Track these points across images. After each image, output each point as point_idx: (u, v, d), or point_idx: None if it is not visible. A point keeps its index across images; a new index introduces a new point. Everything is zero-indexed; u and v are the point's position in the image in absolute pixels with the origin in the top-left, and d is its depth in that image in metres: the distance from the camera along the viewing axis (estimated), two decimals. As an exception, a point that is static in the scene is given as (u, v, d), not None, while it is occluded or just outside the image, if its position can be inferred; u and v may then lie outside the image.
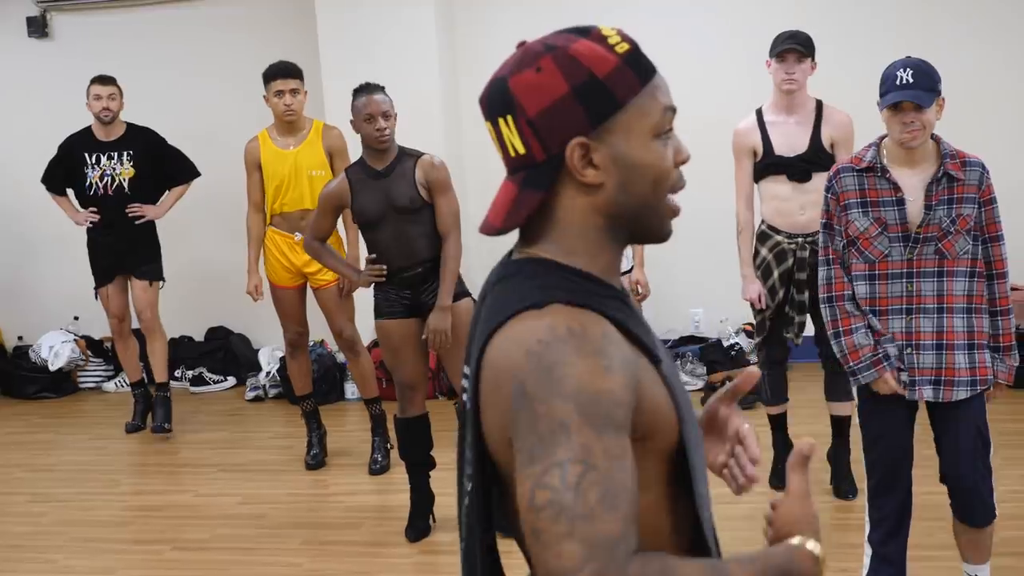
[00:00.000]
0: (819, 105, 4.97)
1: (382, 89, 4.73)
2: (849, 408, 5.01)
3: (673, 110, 1.49)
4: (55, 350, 8.07)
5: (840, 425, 5.08)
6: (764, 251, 4.99)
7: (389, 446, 5.86)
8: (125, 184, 6.76)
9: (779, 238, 4.94)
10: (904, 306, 3.49)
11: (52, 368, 8.06)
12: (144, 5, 8.24)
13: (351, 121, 4.70)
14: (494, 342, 1.42)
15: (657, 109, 1.47)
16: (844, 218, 3.52)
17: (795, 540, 1.49)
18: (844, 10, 7.10)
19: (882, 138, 3.54)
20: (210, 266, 8.19)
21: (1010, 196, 5.55)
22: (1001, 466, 4.17)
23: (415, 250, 4.71)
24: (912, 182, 3.48)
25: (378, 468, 5.84)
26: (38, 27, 8.33)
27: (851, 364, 3.56)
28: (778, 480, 5.09)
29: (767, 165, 4.95)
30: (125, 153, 6.77)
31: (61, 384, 8.24)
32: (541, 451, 1.30)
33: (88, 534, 5.31)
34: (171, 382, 8.12)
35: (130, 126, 6.85)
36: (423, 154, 4.74)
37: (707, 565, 1.39)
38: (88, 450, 6.72)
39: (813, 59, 4.92)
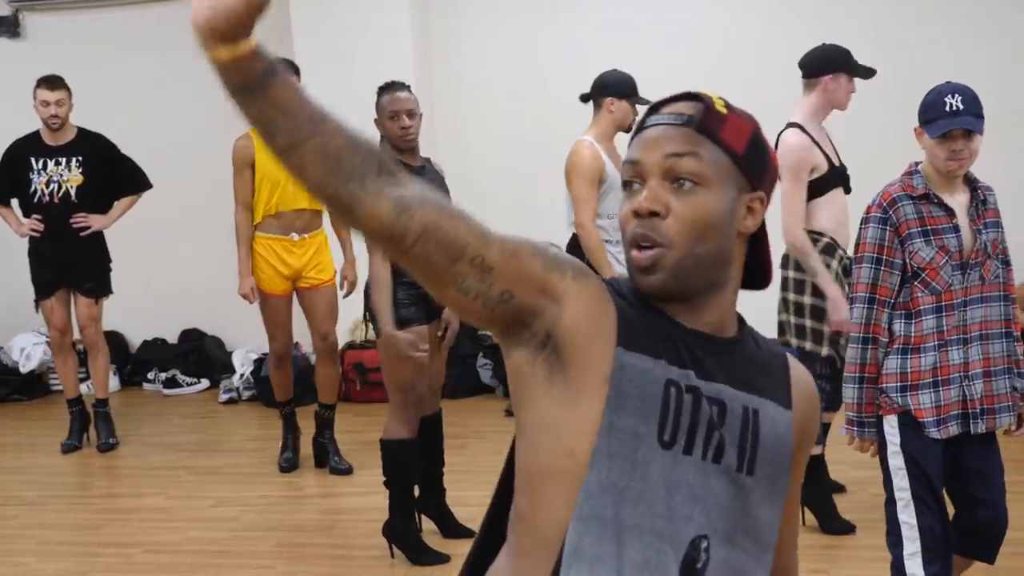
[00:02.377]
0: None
1: (407, 87, 4.65)
2: (819, 449, 4.75)
3: (630, 163, 1.57)
4: (27, 352, 8.03)
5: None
6: (834, 263, 4.66)
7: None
8: (72, 192, 6.48)
9: (843, 252, 4.70)
10: (960, 336, 3.35)
11: (23, 370, 8.03)
12: (118, 5, 8.21)
13: (375, 120, 4.59)
14: None
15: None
16: (905, 250, 3.33)
17: None
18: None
19: (917, 164, 3.42)
20: (184, 268, 8.16)
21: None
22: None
23: None
24: (957, 208, 3.37)
25: (345, 468, 5.87)
26: (10, 27, 8.29)
27: (860, 415, 3.41)
28: None
29: (836, 176, 4.71)
30: (74, 159, 6.48)
31: (33, 386, 8.20)
32: None
33: (59, 537, 5.28)
34: (144, 384, 8.14)
35: (81, 131, 6.57)
36: (427, 157, 4.79)
37: None
38: (60, 453, 6.67)
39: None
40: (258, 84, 1.36)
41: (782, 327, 4.77)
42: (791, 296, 4.75)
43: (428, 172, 4.66)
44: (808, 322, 4.68)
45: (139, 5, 8.15)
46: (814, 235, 4.68)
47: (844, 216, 4.72)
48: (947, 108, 3.26)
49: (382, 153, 1.44)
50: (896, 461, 3.40)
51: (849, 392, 3.44)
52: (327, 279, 5.87)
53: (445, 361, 4.99)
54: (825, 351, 4.65)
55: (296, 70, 5.69)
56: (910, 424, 3.37)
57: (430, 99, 7.44)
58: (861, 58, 4.84)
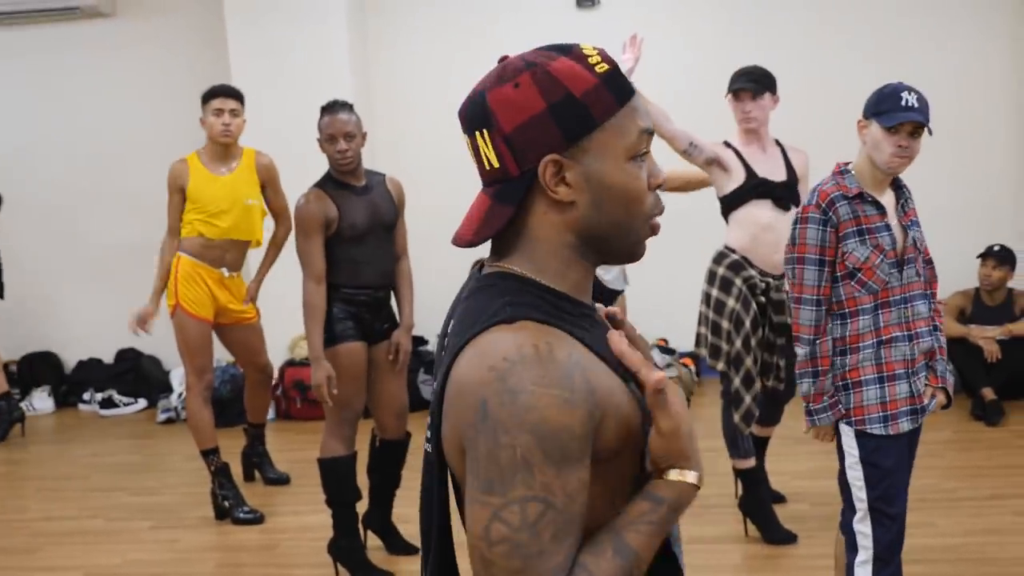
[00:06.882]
0: (778, 142, 4.82)
1: (348, 107, 4.53)
2: (751, 461, 4.80)
3: (650, 133, 1.48)
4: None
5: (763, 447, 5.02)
6: (738, 281, 4.66)
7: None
8: None
9: (752, 272, 4.67)
10: (905, 332, 3.41)
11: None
12: (49, 22, 8.10)
13: (317, 140, 4.53)
14: (462, 355, 1.40)
15: (634, 131, 1.46)
16: (839, 250, 3.39)
17: (672, 475, 1.42)
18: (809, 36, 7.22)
19: (846, 164, 3.45)
20: (119, 288, 8.07)
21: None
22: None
23: (388, 269, 4.64)
24: (887, 206, 3.43)
25: (282, 477, 6.09)
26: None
27: (816, 405, 3.46)
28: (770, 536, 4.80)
29: (752, 187, 4.65)
30: None
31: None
32: (501, 484, 1.32)
33: (-5, 562, 5.20)
34: (80, 405, 8.05)
35: None
36: (383, 173, 4.71)
37: (613, 552, 1.37)
38: (-6, 476, 6.58)
39: (773, 92, 4.72)
40: None
41: (698, 339, 4.84)
42: (701, 308, 4.82)
43: (374, 190, 4.60)
44: (710, 336, 4.75)
45: (73, 21, 8.06)
46: (726, 250, 4.75)
47: (765, 235, 4.66)
48: (903, 103, 3.31)
49: None
50: (854, 472, 3.46)
51: (805, 387, 3.47)
52: (253, 315, 5.80)
53: (403, 384, 4.76)
54: (720, 366, 4.72)
55: (239, 96, 5.58)
56: (866, 436, 3.42)
57: (369, 105, 7.44)
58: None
